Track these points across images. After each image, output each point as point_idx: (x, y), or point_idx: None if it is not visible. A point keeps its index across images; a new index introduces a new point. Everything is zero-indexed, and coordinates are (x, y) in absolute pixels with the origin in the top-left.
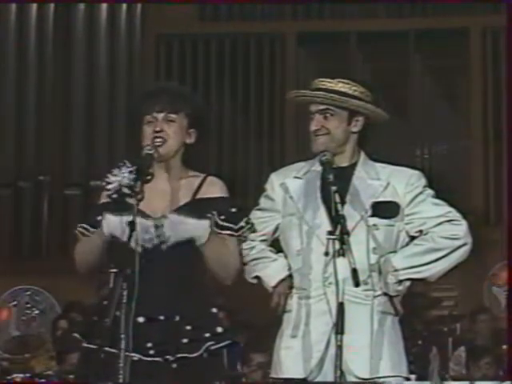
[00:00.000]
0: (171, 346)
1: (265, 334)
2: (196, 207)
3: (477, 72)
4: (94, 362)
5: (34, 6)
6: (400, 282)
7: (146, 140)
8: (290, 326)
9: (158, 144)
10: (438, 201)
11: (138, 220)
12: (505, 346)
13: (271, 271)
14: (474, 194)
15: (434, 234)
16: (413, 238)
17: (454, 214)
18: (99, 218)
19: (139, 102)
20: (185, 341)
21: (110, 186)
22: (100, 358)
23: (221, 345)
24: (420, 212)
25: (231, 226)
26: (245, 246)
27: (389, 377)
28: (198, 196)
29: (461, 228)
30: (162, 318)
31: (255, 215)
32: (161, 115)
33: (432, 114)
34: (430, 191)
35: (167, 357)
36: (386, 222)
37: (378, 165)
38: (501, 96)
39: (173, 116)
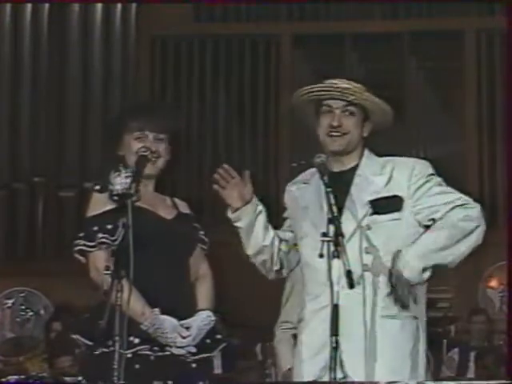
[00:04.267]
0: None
1: (260, 334)
2: (184, 219)
3: (471, 73)
4: (98, 362)
5: (29, 6)
6: (422, 270)
7: (133, 153)
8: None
9: (152, 159)
10: (446, 188)
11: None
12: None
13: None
14: (468, 195)
15: (448, 218)
16: (426, 227)
17: (465, 198)
18: (95, 228)
19: (125, 116)
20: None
21: (113, 192)
22: (102, 358)
23: (221, 346)
24: (429, 201)
25: (206, 240)
26: None
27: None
28: (181, 210)
29: (474, 210)
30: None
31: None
32: (151, 134)
33: (426, 116)
34: (437, 179)
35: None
36: (390, 217)
37: (382, 159)
38: (495, 98)
39: (162, 136)
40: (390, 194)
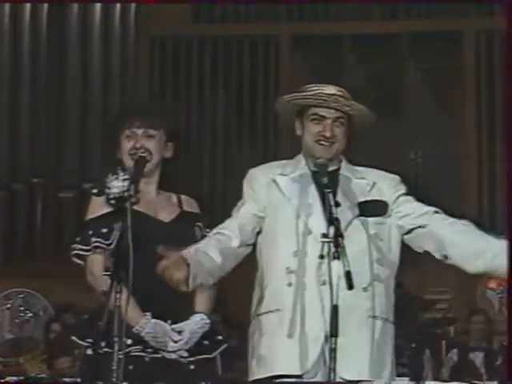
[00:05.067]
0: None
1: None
2: (187, 218)
3: (471, 74)
4: (97, 363)
5: (28, 6)
6: None
7: (125, 154)
8: (285, 325)
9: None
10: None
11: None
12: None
13: None
14: (467, 197)
15: (439, 219)
16: (409, 232)
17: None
18: (90, 232)
19: (119, 116)
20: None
21: (110, 196)
22: (100, 359)
23: (222, 347)
24: (411, 207)
25: None
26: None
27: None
28: (184, 209)
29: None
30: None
31: (239, 207)
32: (140, 131)
33: (425, 117)
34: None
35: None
36: (375, 219)
37: (360, 168)
38: (495, 98)
39: (152, 132)
40: (376, 198)
